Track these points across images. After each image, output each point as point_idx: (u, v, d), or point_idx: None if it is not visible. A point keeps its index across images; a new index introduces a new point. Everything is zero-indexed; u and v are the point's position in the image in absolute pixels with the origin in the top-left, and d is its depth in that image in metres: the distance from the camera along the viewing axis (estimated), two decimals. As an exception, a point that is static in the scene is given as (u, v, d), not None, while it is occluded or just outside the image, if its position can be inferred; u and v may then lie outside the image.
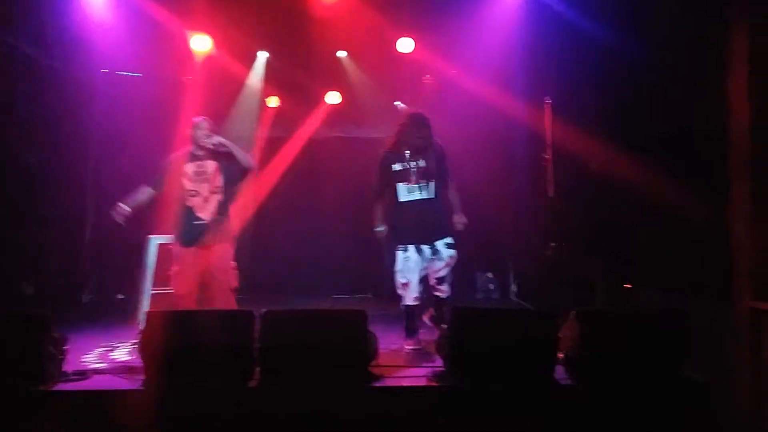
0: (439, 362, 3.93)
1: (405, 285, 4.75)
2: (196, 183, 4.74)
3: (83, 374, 3.80)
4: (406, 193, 4.79)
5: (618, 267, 5.67)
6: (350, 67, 7.08)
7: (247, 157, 4.86)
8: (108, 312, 6.56)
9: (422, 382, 3.73)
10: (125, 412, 3.41)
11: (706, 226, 4.57)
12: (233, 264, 4.82)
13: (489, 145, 7.11)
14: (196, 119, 4.88)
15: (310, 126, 7.82)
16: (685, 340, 3.66)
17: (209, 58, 6.69)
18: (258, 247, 7.73)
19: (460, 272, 5.02)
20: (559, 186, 5.62)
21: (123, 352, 4.61)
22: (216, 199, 4.75)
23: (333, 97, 7.79)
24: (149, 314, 3.79)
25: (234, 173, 4.84)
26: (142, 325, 3.75)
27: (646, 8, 5.21)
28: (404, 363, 4.22)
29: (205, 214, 4.71)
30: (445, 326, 3.92)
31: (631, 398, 3.57)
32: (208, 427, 3.41)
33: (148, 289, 5.88)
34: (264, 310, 3.69)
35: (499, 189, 7.06)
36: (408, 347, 4.75)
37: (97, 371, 3.91)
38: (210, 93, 6.89)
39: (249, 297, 6.71)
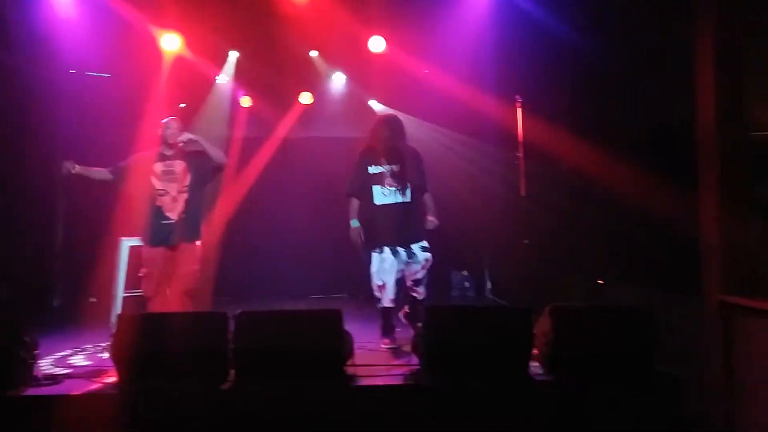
0: (415, 361, 3.94)
1: (381, 287, 4.78)
2: (164, 182, 4.76)
3: (54, 379, 3.74)
4: (381, 196, 4.83)
5: (591, 263, 5.73)
6: (322, 66, 7.05)
7: (219, 153, 4.90)
8: (80, 315, 6.46)
9: (398, 381, 3.73)
10: (98, 416, 3.36)
11: (676, 221, 4.64)
12: (197, 267, 4.81)
13: (462, 143, 7.15)
14: (165, 119, 4.89)
15: (284, 126, 7.77)
16: (652, 335, 3.70)
17: (179, 58, 6.60)
18: (233, 248, 7.68)
19: (435, 271, 5.05)
20: (531, 184, 5.67)
21: (94, 356, 4.55)
22: (184, 198, 4.77)
23: (306, 98, 7.76)
24: (121, 317, 3.76)
25: (205, 171, 4.87)
26: (113, 329, 3.69)
27: (614, 6, 5.28)
28: (380, 362, 4.22)
29: (174, 213, 4.73)
30: (420, 325, 3.93)
31: (605, 392, 3.62)
32: (182, 430, 3.37)
33: (120, 292, 5.83)
34: (238, 311, 3.66)
35: (473, 187, 7.10)
36: (384, 346, 4.77)
37: (68, 375, 3.85)
38: (180, 93, 6.86)
39: (225, 298, 6.71)
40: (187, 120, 6.85)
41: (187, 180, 4.79)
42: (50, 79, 6.68)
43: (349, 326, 3.80)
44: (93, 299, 6.92)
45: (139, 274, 4.83)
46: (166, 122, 4.88)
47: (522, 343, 3.69)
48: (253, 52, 6.90)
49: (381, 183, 4.81)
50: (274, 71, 7.00)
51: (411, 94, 6.89)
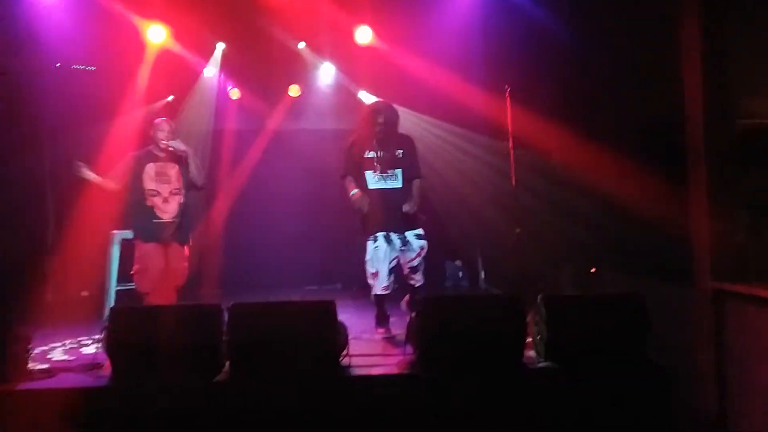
0: (409, 350, 3.95)
1: (374, 275, 4.78)
2: (157, 183, 4.81)
3: (48, 372, 3.73)
4: (374, 181, 4.81)
5: (583, 252, 5.77)
6: (311, 58, 7.01)
7: (200, 174, 4.98)
8: (73, 309, 6.43)
9: (393, 371, 3.74)
10: (92, 409, 3.36)
11: (667, 209, 4.67)
12: (186, 264, 4.87)
13: (452, 133, 7.15)
14: (158, 120, 4.93)
15: (274, 118, 7.73)
16: (645, 323, 3.73)
17: (165, 50, 6.54)
18: (226, 241, 7.68)
19: (429, 261, 5.07)
20: (522, 173, 5.69)
21: (88, 349, 4.54)
22: (176, 200, 4.82)
23: (294, 90, 7.72)
24: (113, 310, 3.74)
25: (190, 180, 4.93)
26: (106, 322, 3.68)
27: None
28: (375, 352, 4.23)
29: (166, 214, 4.79)
30: (414, 314, 3.94)
31: (598, 380, 3.64)
32: (177, 423, 3.37)
33: (112, 286, 5.82)
34: (232, 303, 3.65)
35: (465, 177, 7.11)
36: (379, 335, 4.79)
37: (62, 369, 3.84)
38: (166, 85, 6.82)
39: (218, 291, 6.70)
40: (174, 113, 6.86)
41: (180, 183, 4.85)
42: (36, 72, 6.60)
43: (344, 316, 3.80)
44: (85, 293, 6.90)
45: (132, 272, 4.85)
46: (159, 123, 4.91)
47: (516, 332, 3.71)
48: (241, 44, 6.85)
49: (373, 168, 4.80)
50: (261, 63, 6.95)
51: (400, 85, 6.87)
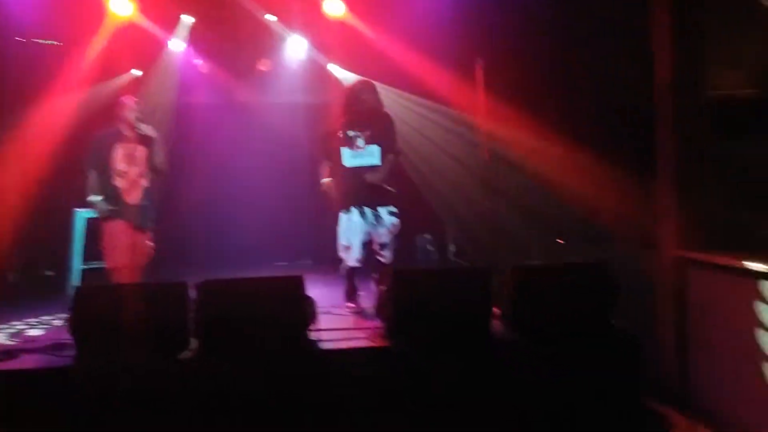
0: (378, 323, 3.96)
1: (347, 247, 4.83)
2: (124, 164, 4.72)
3: (10, 353, 3.66)
4: (350, 158, 4.84)
5: (550, 223, 5.81)
6: (280, 30, 6.88)
7: (162, 159, 4.91)
8: (37, 289, 6.33)
9: (362, 344, 3.75)
10: (56, 390, 3.31)
11: (634, 178, 4.72)
12: (150, 243, 4.88)
13: (424, 106, 7.11)
14: (127, 100, 4.80)
15: (243, 92, 7.60)
16: (610, 291, 3.77)
17: (131, 24, 6.37)
18: (194, 218, 7.58)
19: (399, 235, 5.09)
20: (493, 147, 5.70)
21: (51, 329, 4.46)
22: (142, 184, 4.75)
23: (264, 63, 7.57)
24: (78, 290, 3.69)
25: (153, 165, 4.86)
26: (71, 301, 3.61)
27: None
28: (344, 326, 4.23)
29: (131, 198, 4.72)
30: (383, 288, 3.95)
31: (564, 350, 3.69)
32: (143, 402, 3.33)
33: (76, 264, 5.72)
34: (201, 280, 3.61)
35: (436, 151, 7.10)
36: (348, 309, 4.82)
37: (25, 350, 3.77)
38: (131, 60, 6.67)
39: (186, 269, 6.62)
40: (139, 88, 6.71)
41: (146, 166, 4.76)
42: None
43: (313, 291, 3.78)
44: (50, 272, 6.78)
45: (100, 247, 4.78)
46: (128, 103, 4.79)
47: (483, 303, 3.74)
48: (208, 17, 6.69)
49: (351, 146, 4.83)
50: (230, 36, 6.81)
51: (371, 58, 6.79)
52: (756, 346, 3.38)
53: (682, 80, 3.97)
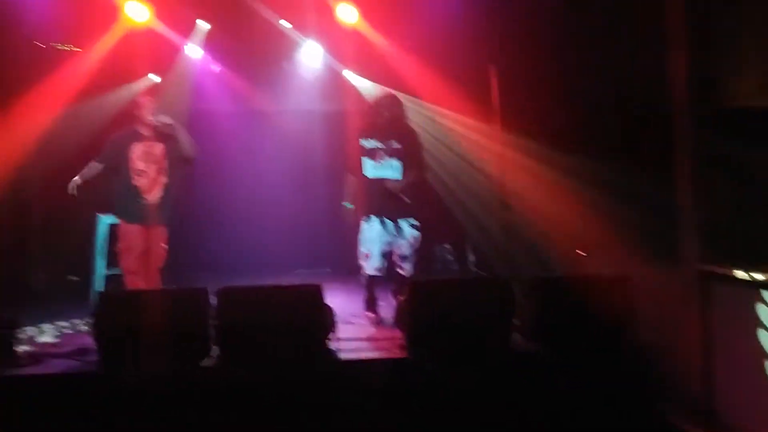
0: (398, 334, 3.96)
1: (366, 255, 4.86)
2: (143, 163, 4.74)
3: (35, 358, 3.71)
4: (371, 169, 4.90)
5: (573, 234, 5.77)
6: (295, 37, 6.90)
7: (191, 144, 4.87)
8: (60, 294, 6.40)
9: (381, 355, 3.77)
10: (80, 395, 3.36)
11: (655, 191, 4.68)
12: (165, 246, 4.87)
13: (440, 114, 7.10)
14: (140, 98, 4.84)
15: (259, 99, 7.64)
16: (630, 304, 3.74)
17: (148, 29, 6.42)
18: (215, 224, 7.65)
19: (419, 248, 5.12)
20: (510, 154, 5.69)
21: (75, 334, 4.51)
22: (163, 181, 4.76)
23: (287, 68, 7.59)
24: (102, 296, 3.73)
25: (179, 158, 4.85)
26: (94, 306, 3.66)
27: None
28: (363, 336, 4.24)
29: (150, 195, 4.73)
30: (403, 298, 3.95)
31: (584, 362, 3.66)
32: (165, 407, 3.37)
33: (99, 270, 5.78)
34: (220, 287, 3.64)
35: (453, 160, 7.09)
36: (367, 318, 4.83)
37: (49, 355, 3.82)
38: (148, 65, 6.73)
39: (207, 275, 6.67)
40: (159, 93, 6.77)
41: (166, 163, 4.78)
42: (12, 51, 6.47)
43: (333, 300, 3.81)
44: (74, 277, 6.86)
45: (116, 250, 4.83)
46: (141, 101, 4.83)
47: (503, 315, 3.73)
48: (224, 23, 6.71)
49: (372, 156, 4.89)
50: (245, 42, 6.84)
51: (384, 65, 6.82)
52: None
53: (699, 89, 3.94)
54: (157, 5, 6.26)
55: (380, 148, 4.90)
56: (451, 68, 6.42)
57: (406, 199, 4.92)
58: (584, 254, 5.48)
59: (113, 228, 5.43)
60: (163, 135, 4.78)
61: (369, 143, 4.91)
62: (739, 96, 4.06)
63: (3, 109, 6.31)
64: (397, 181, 4.84)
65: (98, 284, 5.78)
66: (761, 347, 3.56)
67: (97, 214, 5.99)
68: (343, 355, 3.68)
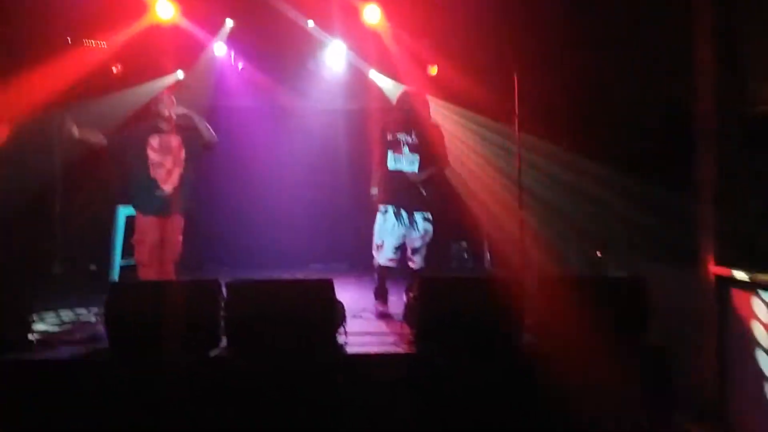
0: (407, 329, 3.95)
1: (380, 246, 4.96)
2: (160, 155, 4.83)
3: (49, 344, 3.77)
4: (393, 162, 4.99)
5: (589, 235, 5.72)
6: (320, 36, 6.91)
7: (210, 132, 4.94)
8: (80, 283, 6.49)
9: (390, 350, 3.75)
10: (89, 382, 3.40)
11: (675, 194, 4.61)
12: (181, 238, 4.91)
13: (461, 115, 7.08)
14: (161, 94, 4.94)
15: (283, 96, 7.67)
16: (645, 306, 3.69)
17: (174, 26, 6.48)
18: (233, 218, 7.70)
19: (433, 242, 5.14)
20: (529, 156, 5.66)
21: (90, 323, 4.56)
22: (179, 172, 4.84)
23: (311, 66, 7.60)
24: (113, 285, 3.78)
25: (197, 147, 4.93)
26: (106, 296, 3.70)
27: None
28: (373, 331, 4.24)
29: (168, 185, 4.81)
30: (412, 295, 3.94)
31: (596, 362, 3.61)
32: (174, 397, 3.39)
33: (116, 260, 5.85)
34: (229, 279, 3.66)
35: (472, 160, 7.06)
36: (377, 309, 4.88)
37: (63, 341, 3.87)
38: (173, 62, 6.80)
39: (224, 268, 6.73)
40: (181, 89, 6.84)
41: (182, 154, 4.89)
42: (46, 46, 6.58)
43: (347, 295, 3.83)
44: (93, 266, 6.96)
45: (132, 241, 4.89)
46: (159, 96, 4.96)
47: (513, 314, 3.69)
48: (249, 21, 6.76)
49: (394, 150, 4.98)
50: (270, 40, 6.88)
51: (406, 65, 6.83)
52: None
53: (723, 94, 3.86)
54: (183, 3, 6.33)
55: (402, 141, 4.98)
56: (472, 70, 6.42)
57: (423, 192, 4.96)
58: (600, 255, 5.44)
59: (130, 220, 5.50)
60: (180, 128, 4.87)
61: (391, 136, 5.01)
62: (765, 101, 3.98)
63: (31, 102, 6.44)
64: (415, 173, 4.93)
65: (115, 274, 5.85)
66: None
67: (117, 205, 6.07)
68: (352, 349, 3.68)
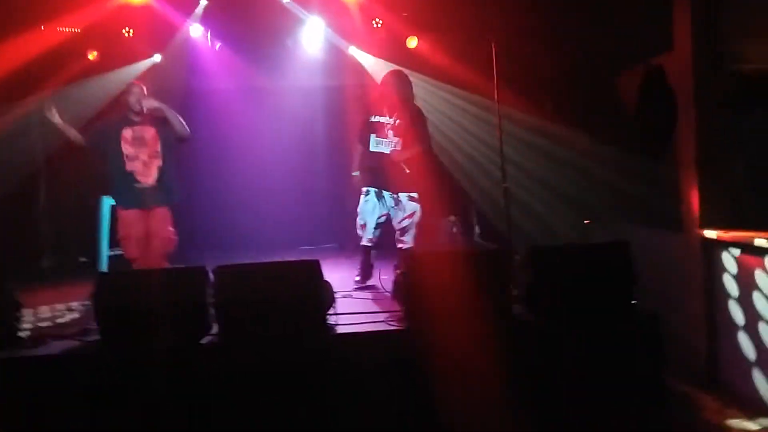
0: (397, 307, 3.96)
1: (362, 226, 5.14)
2: (135, 148, 4.77)
3: (39, 340, 3.75)
4: (374, 144, 5.08)
5: (576, 204, 5.74)
6: (298, 13, 6.81)
7: (182, 125, 4.86)
8: (70, 276, 6.46)
9: (379, 327, 3.76)
10: (82, 375, 3.39)
11: (657, 157, 4.62)
12: (172, 230, 4.85)
13: (444, 89, 7.05)
14: (129, 83, 4.86)
15: (261, 76, 7.58)
16: (631, 270, 3.70)
17: (147, 7, 6.35)
18: (219, 202, 7.66)
19: (423, 218, 5.21)
20: (510, 126, 5.66)
21: (79, 315, 4.55)
22: (156, 164, 4.78)
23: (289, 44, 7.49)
24: (99, 276, 3.75)
25: (170, 139, 4.85)
26: (93, 287, 3.68)
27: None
28: (364, 309, 4.24)
29: (146, 178, 4.76)
30: (400, 271, 3.94)
31: (585, 331, 3.63)
32: (168, 385, 3.39)
33: (104, 251, 5.83)
34: (216, 265, 3.65)
35: (457, 134, 7.06)
36: (356, 283, 5.09)
37: (53, 336, 3.85)
38: (148, 45, 6.70)
39: (212, 252, 6.71)
40: (157, 73, 6.76)
41: (158, 146, 4.80)
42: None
43: (336, 275, 3.82)
44: (83, 259, 6.93)
45: (117, 237, 4.86)
46: (129, 86, 4.87)
47: (502, 284, 3.70)
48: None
49: (377, 132, 5.06)
50: (246, 18, 6.77)
51: (386, 41, 6.77)
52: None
53: (702, 52, 3.85)
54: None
55: (383, 123, 5.06)
56: (451, 41, 6.38)
57: (407, 170, 4.99)
58: (588, 222, 5.46)
59: (114, 210, 5.47)
60: (153, 119, 4.79)
61: (374, 118, 5.09)
62: (749, 59, 3.97)
63: (8, 94, 6.37)
64: (398, 152, 5.00)
65: (103, 265, 5.83)
66: (758, 312, 3.55)
67: (101, 196, 6.03)
68: (342, 329, 3.68)
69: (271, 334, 3.53)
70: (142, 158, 4.75)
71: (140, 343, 3.47)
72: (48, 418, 3.33)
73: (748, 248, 3.65)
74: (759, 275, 3.56)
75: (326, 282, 3.74)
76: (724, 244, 3.84)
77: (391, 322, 3.81)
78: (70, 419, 3.33)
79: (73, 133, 4.78)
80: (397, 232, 5.10)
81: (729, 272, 3.85)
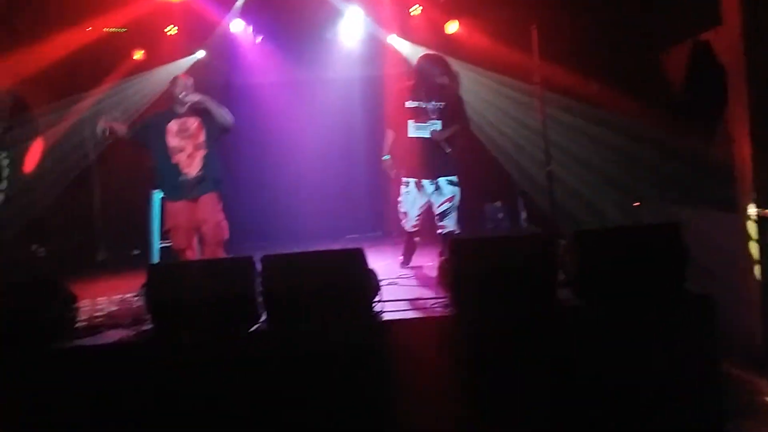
0: (442, 293, 3.95)
1: (404, 213, 5.20)
2: (180, 140, 4.84)
3: (94, 330, 3.87)
4: (414, 130, 5.01)
5: (624, 186, 5.63)
6: (337, 3, 6.81)
7: (224, 114, 4.92)
8: (125, 268, 6.65)
9: (426, 314, 3.76)
10: (135, 365, 3.49)
11: (710, 138, 4.49)
12: (222, 216, 4.91)
13: (488, 77, 6.97)
14: (175, 76, 4.94)
15: (302, 68, 7.62)
16: (683, 252, 3.59)
17: (185, 4, 6.44)
18: (266, 193, 7.76)
19: (468, 204, 5.26)
20: (555, 111, 5.57)
21: (133, 306, 4.67)
22: (200, 154, 4.85)
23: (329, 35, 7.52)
24: (150, 267, 3.83)
25: (215, 129, 4.90)
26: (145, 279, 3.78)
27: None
28: (409, 296, 4.25)
29: (191, 169, 4.84)
30: (444, 258, 3.93)
31: (636, 315, 3.56)
32: (218, 374, 3.47)
33: (155, 243, 5.97)
34: (262, 255, 3.70)
35: (500, 119, 6.98)
36: (400, 263, 5.26)
37: (107, 326, 3.97)
38: (190, 41, 6.81)
39: (260, 243, 6.81)
40: (200, 69, 6.87)
41: (202, 136, 4.88)
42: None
43: (381, 263, 3.83)
44: (137, 251, 7.12)
45: (164, 229, 4.97)
46: (175, 79, 4.95)
47: (547, 270, 3.65)
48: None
49: (415, 118, 4.98)
50: (285, 10, 6.82)
51: (429, 28, 6.73)
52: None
53: (752, 27, 3.71)
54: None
55: (422, 108, 4.97)
56: (493, 25, 6.31)
57: (447, 149, 4.96)
58: (637, 204, 5.35)
59: (163, 203, 5.59)
60: (197, 110, 4.87)
61: (411, 104, 5.00)
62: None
63: (60, 92, 6.57)
64: (438, 131, 4.94)
65: (155, 257, 5.98)
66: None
67: (152, 190, 6.18)
68: (387, 316, 3.69)
69: (318, 322, 3.57)
70: (187, 150, 4.84)
71: (191, 332, 3.55)
72: (103, 406, 3.43)
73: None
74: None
75: (371, 270, 3.75)
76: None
77: (437, 309, 3.80)
78: (126, 406, 3.43)
79: (120, 130, 4.90)
80: (437, 217, 5.08)
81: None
